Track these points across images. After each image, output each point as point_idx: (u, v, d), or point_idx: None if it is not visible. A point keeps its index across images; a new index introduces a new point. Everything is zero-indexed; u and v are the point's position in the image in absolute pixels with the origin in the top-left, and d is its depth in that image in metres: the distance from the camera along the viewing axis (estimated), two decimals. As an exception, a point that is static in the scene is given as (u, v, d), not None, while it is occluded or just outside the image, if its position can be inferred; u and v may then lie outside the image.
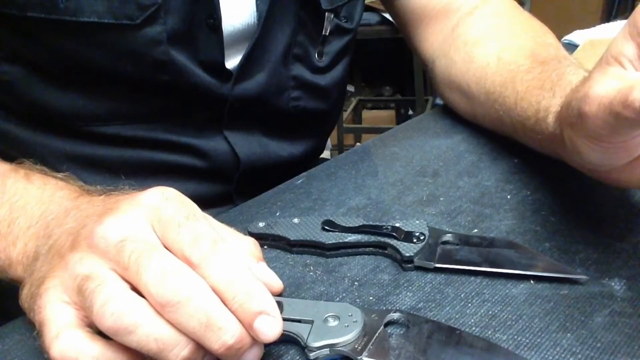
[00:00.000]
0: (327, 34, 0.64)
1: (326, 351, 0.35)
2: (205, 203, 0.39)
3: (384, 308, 0.38)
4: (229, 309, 0.32)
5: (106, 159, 0.58)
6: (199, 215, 0.35)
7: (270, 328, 0.32)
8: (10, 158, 0.49)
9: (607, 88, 0.34)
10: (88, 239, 0.34)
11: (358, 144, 2.77)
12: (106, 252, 0.33)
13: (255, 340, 0.33)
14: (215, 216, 0.40)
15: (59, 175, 0.45)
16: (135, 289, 0.32)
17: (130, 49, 0.52)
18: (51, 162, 0.52)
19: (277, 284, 0.40)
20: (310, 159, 0.72)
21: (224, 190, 0.64)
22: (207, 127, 0.60)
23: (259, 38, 0.58)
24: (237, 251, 0.37)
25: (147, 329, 0.31)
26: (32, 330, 0.35)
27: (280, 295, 0.40)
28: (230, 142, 0.61)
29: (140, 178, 0.57)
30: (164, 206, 0.35)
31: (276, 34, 0.60)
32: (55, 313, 0.33)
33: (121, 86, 0.55)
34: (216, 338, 0.31)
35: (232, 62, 0.59)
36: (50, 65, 0.54)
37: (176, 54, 0.54)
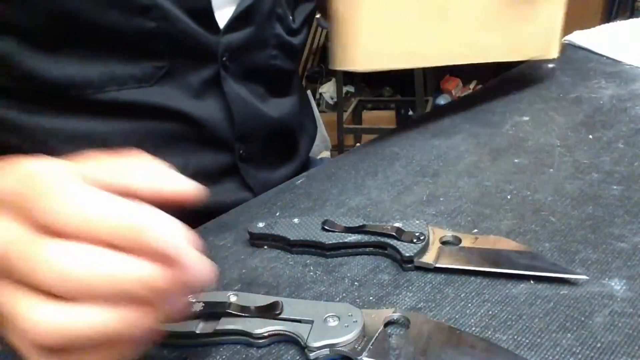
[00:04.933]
0: None
1: (326, 351, 0.35)
2: (212, 177, 0.36)
3: (384, 308, 0.38)
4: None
5: (103, 133, 0.58)
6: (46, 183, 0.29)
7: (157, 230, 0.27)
8: (10, 145, 0.48)
9: None
10: None
11: (358, 144, 2.77)
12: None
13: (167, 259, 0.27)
14: (221, 206, 0.39)
15: None
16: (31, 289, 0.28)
17: None
18: (50, 144, 0.52)
19: (204, 268, 0.30)
20: (298, 121, 0.74)
21: (227, 161, 0.64)
22: (202, 90, 0.61)
23: None
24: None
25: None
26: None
27: (279, 295, 0.40)
28: (225, 105, 0.62)
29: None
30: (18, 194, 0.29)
31: None
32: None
33: (112, 46, 0.55)
34: (135, 281, 0.27)
35: (223, 19, 0.60)
36: (38, 29, 0.53)
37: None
